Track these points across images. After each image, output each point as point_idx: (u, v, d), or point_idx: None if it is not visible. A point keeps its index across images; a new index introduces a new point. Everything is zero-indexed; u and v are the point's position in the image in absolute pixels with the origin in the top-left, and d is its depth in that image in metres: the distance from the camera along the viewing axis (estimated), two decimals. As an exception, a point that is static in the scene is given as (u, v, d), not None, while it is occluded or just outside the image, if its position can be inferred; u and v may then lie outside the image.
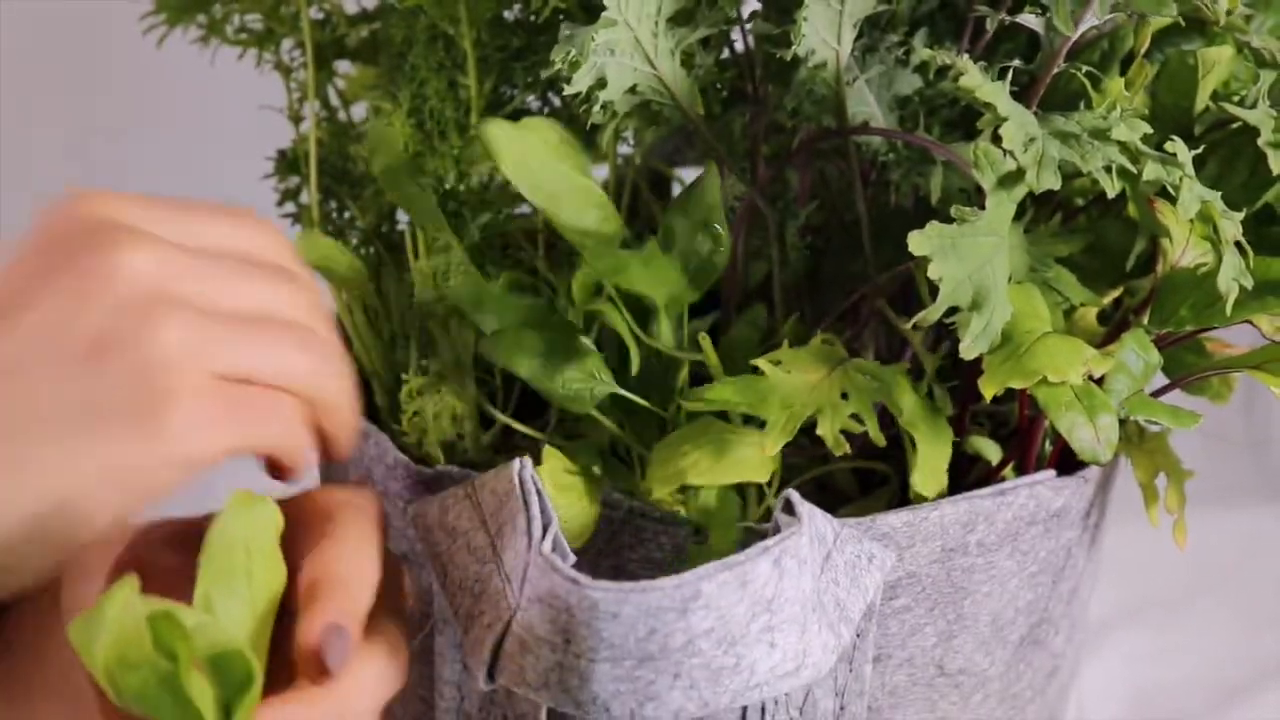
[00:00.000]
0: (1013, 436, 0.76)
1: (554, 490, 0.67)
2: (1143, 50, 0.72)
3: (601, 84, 0.70)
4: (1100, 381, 0.69)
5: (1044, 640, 0.78)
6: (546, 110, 0.84)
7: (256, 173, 0.89)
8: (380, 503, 0.61)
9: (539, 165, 0.70)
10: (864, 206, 0.76)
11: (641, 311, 0.74)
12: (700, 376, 0.73)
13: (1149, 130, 0.67)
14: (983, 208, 0.65)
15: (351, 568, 0.57)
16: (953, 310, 0.65)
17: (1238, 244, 0.67)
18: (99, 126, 1.48)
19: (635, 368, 0.70)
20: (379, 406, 0.82)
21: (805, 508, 0.63)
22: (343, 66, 0.89)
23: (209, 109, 1.38)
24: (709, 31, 0.72)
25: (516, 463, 0.63)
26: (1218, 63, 0.73)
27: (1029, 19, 0.71)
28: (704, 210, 0.73)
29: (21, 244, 0.57)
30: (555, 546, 0.60)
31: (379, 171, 0.75)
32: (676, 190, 0.93)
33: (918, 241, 0.63)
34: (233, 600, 0.52)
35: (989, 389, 0.66)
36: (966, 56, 0.67)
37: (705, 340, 0.72)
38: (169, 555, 0.59)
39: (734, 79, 0.77)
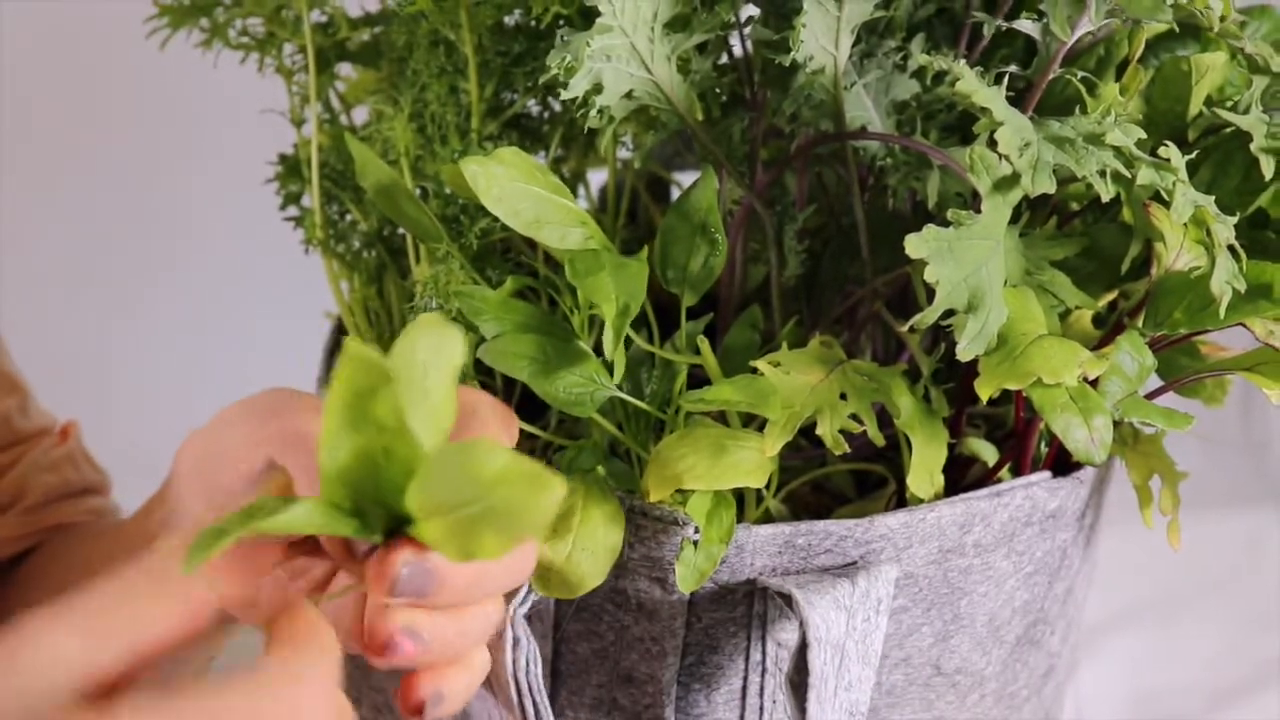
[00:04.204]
0: (1009, 438, 0.76)
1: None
2: (1137, 56, 0.73)
3: (598, 89, 0.71)
4: (1095, 383, 0.70)
5: (1040, 640, 0.79)
6: (546, 115, 0.84)
7: (259, 177, 0.90)
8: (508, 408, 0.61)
9: (516, 194, 0.70)
10: (861, 210, 0.76)
11: (640, 315, 0.74)
12: (699, 379, 0.73)
13: (1143, 135, 0.67)
14: (979, 211, 0.66)
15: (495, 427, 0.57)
16: (949, 313, 0.65)
17: (1231, 248, 0.68)
18: (100, 130, 1.48)
19: (619, 374, 0.70)
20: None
21: (815, 629, 0.66)
22: (344, 69, 0.89)
23: (211, 113, 1.38)
24: (705, 37, 0.72)
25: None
26: (1211, 68, 0.73)
27: (1025, 24, 0.71)
28: (701, 214, 0.73)
29: None
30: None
31: (372, 191, 0.76)
32: (675, 195, 0.94)
33: (915, 244, 0.64)
34: (412, 416, 0.51)
35: (985, 390, 0.66)
36: (963, 62, 0.68)
37: (704, 343, 0.72)
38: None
39: (732, 84, 0.78)
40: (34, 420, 0.86)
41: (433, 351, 0.52)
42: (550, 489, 0.48)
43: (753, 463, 0.68)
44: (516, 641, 0.62)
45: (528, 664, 0.63)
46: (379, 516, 0.52)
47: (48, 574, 0.81)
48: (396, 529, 0.52)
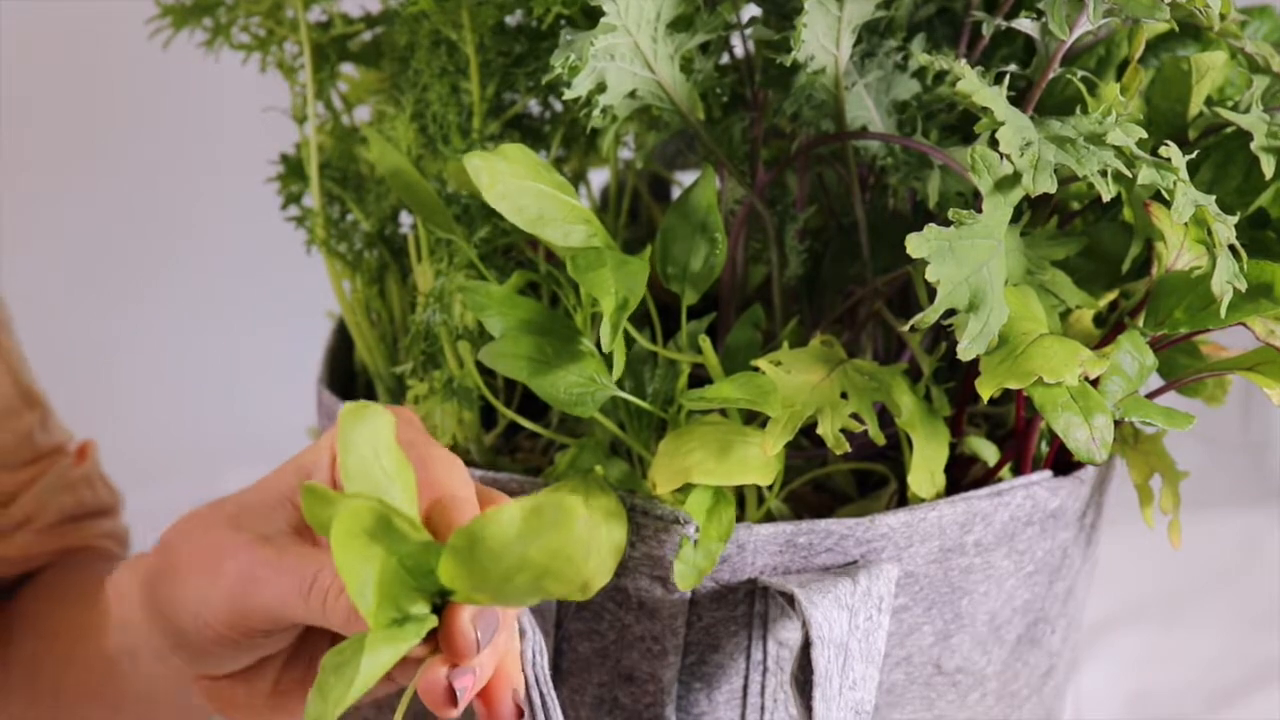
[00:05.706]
0: (1010, 438, 0.76)
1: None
2: (1137, 55, 0.73)
3: (601, 88, 0.71)
4: (1096, 383, 0.70)
5: (1040, 639, 0.79)
6: (548, 115, 0.84)
7: (260, 176, 0.90)
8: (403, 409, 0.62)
9: (519, 190, 0.70)
10: (862, 210, 0.76)
11: (643, 315, 0.74)
12: (701, 379, 0.73)
13: (1144, 135, 0.68)
14: (980, 211, 0.66)
15: (456, 481, 0.58)
16: (950, 312, 0.65)
17: (1231, 247, 0.68)
18: (101, 130, 1.48)
19: (618, 370, 0.70)
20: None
21: (817, 628, 0.66)
22: (347, 68, 0.89)
23: (212, 112, 1.39)
24: (708, 37, 0.72)
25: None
26: (1211, 68, 0.73)
27: (1025, 24, 0.71)
28: (700, 213, 0.73)
29: None
30: None
31: (387, 176, 0.76)
32: (677, 194, 0.94)
33: (916, 244, 0.64)
34: (393, 499, 0.53)
35: (986, 390, 0.66)
36: (964, 61, 0.68)
37: (705, 342, 0.73)
38: None
39: (734, 84, 0.78)
40: (53, 436, 0.86)
41: (372, 436, 0.53)
42: (575, 516, 0.49)
43: (761, 460, 0.68)
44: (523, 633, 0.62)
45: (534, 656, 0.63)
46: (423, 602, 0.53)
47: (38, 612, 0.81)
48: (441, 602, 0.54)
